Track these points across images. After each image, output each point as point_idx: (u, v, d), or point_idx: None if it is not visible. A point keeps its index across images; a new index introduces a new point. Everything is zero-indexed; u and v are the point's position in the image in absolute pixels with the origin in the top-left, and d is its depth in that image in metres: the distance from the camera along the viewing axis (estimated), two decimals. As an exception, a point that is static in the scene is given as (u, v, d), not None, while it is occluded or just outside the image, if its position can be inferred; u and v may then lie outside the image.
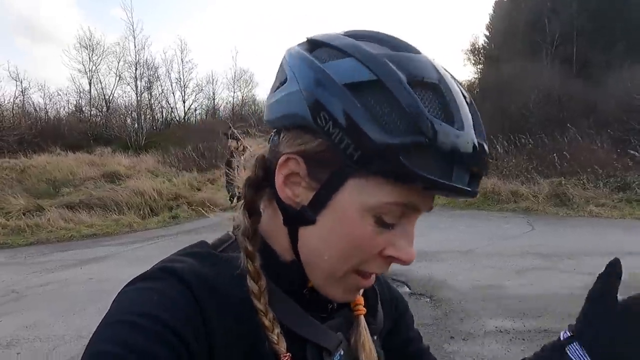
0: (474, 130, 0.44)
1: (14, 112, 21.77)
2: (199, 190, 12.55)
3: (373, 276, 0.51)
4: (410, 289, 4.58)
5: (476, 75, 27.53)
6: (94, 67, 24.49)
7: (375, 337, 0.60)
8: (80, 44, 24.76)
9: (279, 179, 0.49)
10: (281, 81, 0.50)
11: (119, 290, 0.48)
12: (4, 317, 4.35)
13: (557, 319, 3.63)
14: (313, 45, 0.49)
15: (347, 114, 0.43)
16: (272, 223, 0.53)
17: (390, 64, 0.43)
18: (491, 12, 27.99)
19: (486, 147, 0.46)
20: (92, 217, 9.92)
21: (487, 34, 28.30)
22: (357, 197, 0.45)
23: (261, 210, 0.54)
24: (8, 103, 22.34)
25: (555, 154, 11.28)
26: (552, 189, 9.49)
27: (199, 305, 0.45)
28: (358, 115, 0.42)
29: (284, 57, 0.51)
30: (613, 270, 0.54)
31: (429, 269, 5.21)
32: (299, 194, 0.48)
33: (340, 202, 0.46)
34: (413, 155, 0.41)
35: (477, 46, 29.66)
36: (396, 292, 0.71)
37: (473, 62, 29.90)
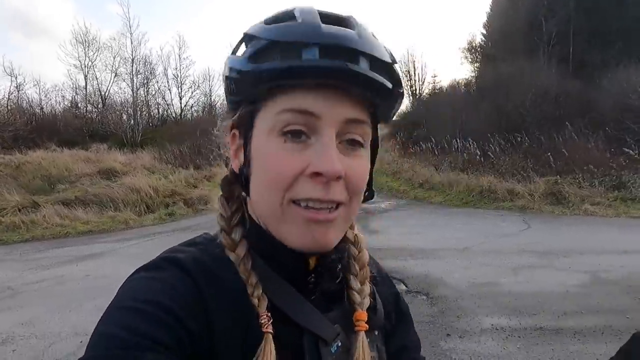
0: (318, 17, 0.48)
1: (9, 108, 21.59)
2: (195, 187, 12.51)
3: (330, 214, 0.48)
4: (407, 286, 4.59)
5: (473, 74, 27.60)
6: (89, 63, 24.35)
7: (376, 332, 0.60)
8: (76, 39, 24.61)
9: (231, 155, 0.56)
10: None
11: (125, 279, 0.50)
12: (0, 314, 4.33)
13: (553, 317, 3.66)
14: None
15: (227, 66, 0.52)
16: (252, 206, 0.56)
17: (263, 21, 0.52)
18: (489, 10, 28.04)
19: (343, 29, 0.48)
20: (88, 213, 9.88)
21: (485, 32, 28.34)
22: (261, 127, 0.50)
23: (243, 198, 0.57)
24: (3, 99, 22.18)
25: (550, 153, 11.32)
26: (548, 187, 9.53)
27: (199, 291, 0.48)
28: (231, 62, 0.52)
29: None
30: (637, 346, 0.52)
31: (426, 266, 5.23)
32: (241, 159, 0.54)
33: (255, 141, 0.51)
34: (260, 60, 0.48)
35: (474, 44, 29.73)
36: (397, 291, 0.71)
37: (470, 60, 29.97)
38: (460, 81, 26.23)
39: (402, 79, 0.53)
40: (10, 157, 14.87)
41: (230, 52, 0.54)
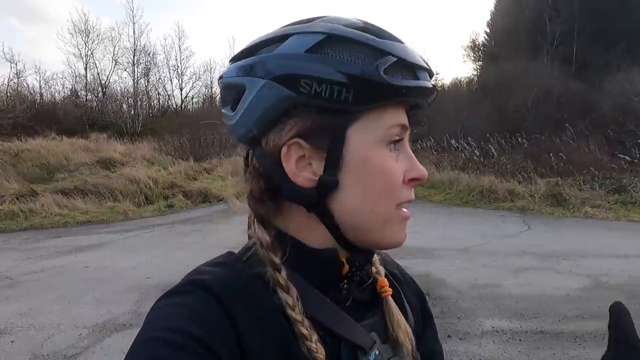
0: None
1: (8, 94, 21.45)
2: (195, 179, 12.47)
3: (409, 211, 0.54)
4: (407, 286, 4.59)
5: (475, 73, 27.54)
6: (89, 52, 24.18)
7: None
8: (75, 28, 24.41)
9: (290, 168, 0.50)
10: (235, 98, 0.52)
11: (150, 307, 0.48)
12: (-2, 304, 4.31)
13: (553, 320, 3.66)
14: (248, 53, 0.53)
15: (325, 67, 0.47)
16: (296, 223, 0.53)
17: (325, 23, 0.51)
18: (492, 9, 27.93)
19: None
20: (87, 203, 9.84)
21: (488, 31, 28.25)
22: (365, 137, 0.49)
23: (274, 219, 0.54)
24: (2, 85, 22.04)
25: (551, 154, 11.32)
26: (549, 189, 9.53)
27: (228, 315, 0.46)
28: (339, 65, 0.47)
29: (223, 83, 0.55)
30: (618, 315, 0.50)
31: (426, 266, 5.22)
32: (314, 171, 0.50)
33: (354, 151, 0.49)
34: (392, 74, 0.48)
35: (477, 43, 29.64)
36: (422, 292, 0.70)
37: (473, 59, 29.90)
38: (462, 79, 26.19)
39: None
40: (9, 145, 14.79)
41: (312, 51, 0.48)
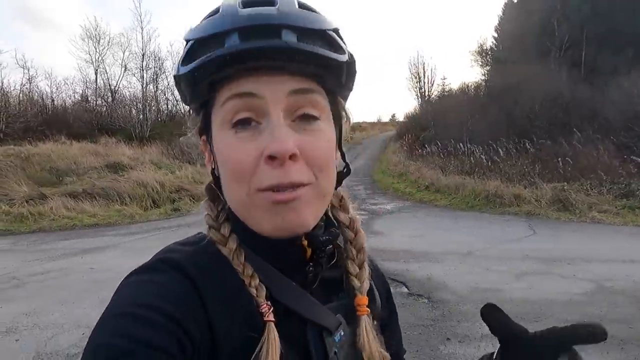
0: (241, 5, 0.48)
1: (20, 100, 21.80)
2: (201, 183, 12.36)
3: (293, 193, 0.47)
4: (408, 289, 4.59)
5: (483, 77, 27.43)
6: (99, 57, 24.54)
7: (375, 322, 0.60)
8: (86, 33, 24.81)
9: (206, 161, 0.56)
10: None
11: (119, 283, 0.49)
12: (5, 304, 4.38)
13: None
14: None
15: (173, 78, 0.53)
16: None
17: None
18: (500, 14, 27.87)
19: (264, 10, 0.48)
20: (95, 206, 9.98)
21: (496, 35, 28.17)
22: (215, 124, 0.51)
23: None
24: (14, 90, 22.41)
25: (558, 159, 11.23)
26: (555, 193, 9.45)
27: (197, 291, 0.47)
28: (174, 72, 0.52)
29: None
30: (493, 317, 0.49)
31: (428, 269, 5.21)
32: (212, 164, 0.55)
33: (214, 140, 0.51)
34: (190, 60, 0.48)
35: (485, 48, 29.57)
36: (388, 285, 0.72)
37: (480, 63, 29.81)
38: (469, 84, 26.10)
39: (344, 45, 0.51)
40: (20, 149, 15.00)
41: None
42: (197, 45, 0.48)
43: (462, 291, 4.50)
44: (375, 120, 52.01)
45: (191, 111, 0.56)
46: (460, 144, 14.82)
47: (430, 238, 7.04)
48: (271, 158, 0.46)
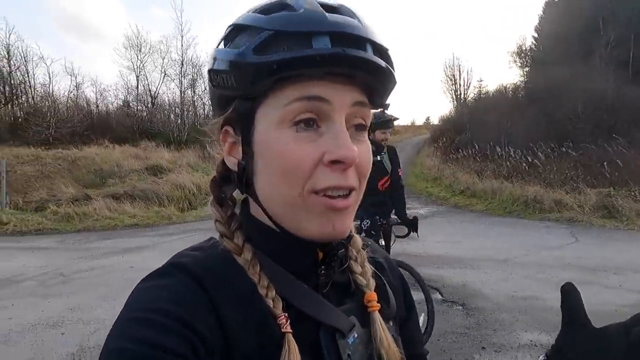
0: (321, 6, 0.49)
1: (68, 106, 23.01)
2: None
3: (346, 201, 0.49)
4: (442, 295, 4.50)
5: (522, 79, 26.58)
6: (140, 64, 25.53)
7: (390, 323, 0.60)
8: (128, 42, 25.89)
9: (225, 153, 0.55)
10: None
11: (133, 288, 0.49)
12: (52, 299, 4.63)
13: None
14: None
15: (216, 59, 0.51)
16: (252, 205, 0.55)
17: (245, 13, 0.52)
18: (541, 13, 26.95)
19: (344, 12, 0.50)
20: (135, 208, 10.37)
21: (536, 35, 27.25)
22: (267, 120, 0.49)
23: (243, 201, 0.58)
24: (63, 97, 23.68)
25: (604, 163, 10.70)
26: (600, 199, 9.01)
27: (208, 295, 0.47)
28: (226, 54, 0.50)
29: None
30: (569, 297, 0.49)
31: (463, 276, 5.09)
32: (238, 155, 0.53)
33: (259, 135, 0.50)
34: (266, 51, 0.46)
35: (524, 48, 28.66)
36: (406, 283, 0.71)
37: (519, 64, 28.92)
38: (507, 86, 25.33)
39: (394, 64, 0.52)
40: (67, 152, 15.83)
41: (218, 44, 0.53)
42: (275, 37, 0.47)
43: (499, 299, 4.37)
44: (409, 124, 51.36)
45: (218, 98, 0.54)
46: (498, 147, 14.40)
47: (465, 244, 6.87)
48: (335, 162, 0.47)
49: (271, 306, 0.49)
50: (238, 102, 0.51)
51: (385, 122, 3.69)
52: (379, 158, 3.67)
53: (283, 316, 0.49)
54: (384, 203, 3.70)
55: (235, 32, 0.51)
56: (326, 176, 0.47)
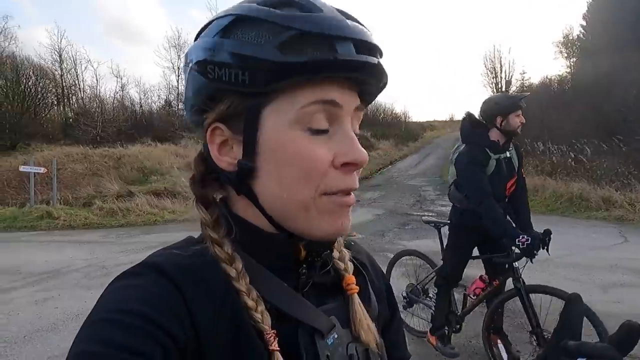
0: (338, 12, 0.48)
1: (114, 106, 24.15)
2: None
3: (352, 198, 0.51)
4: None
5: (568, 70, 25.31)
6: (181, 65, 26.35)
7: (373, 323, 0.59)
8: (169, 43, 26.78)
9: (213, 152, 0.52)
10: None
11: (105, 288, 0.48)
12: (94, 290, 4.87)
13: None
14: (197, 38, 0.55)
15: (223, 51, 0.47)
16: (238, 204, 0.54)
17: (241, 4, 0.50)
18: (590, 0, 25.50)
19: (360, 23, 0.50)
20: (175, 204, 10.73)
21: (584, 24, 25.83)
22: (278, 120, 0.47)
23: (222, 200, 0.55)
24: (109, 98, 24.87)
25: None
26: (653, 197, 8.46)
27: (182, 295, 0.46)
28: (234, 47, 0.47)
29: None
30: (569, 302, 0.48)
31: (500, 276, 4.91)
32: (235, 156, 0.50)
33: (268, 135, 0.48)
34: (291, 50, 0.45)
35: (571, 38, 27.22)
36: (389, 284, 0.70)
37: (565, 55, 27.52)
38: (552, 78, 24.18)
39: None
40: (113, 150, 16.63)
41: (215, 33, 0.49)
42: (299, 37, 0.45)
43: (538, 301, 4.17)
44: (447, 119, 50.15)
45: (210, 93, 0.50)
46: (540, 142, 13.79)
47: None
48: (347, 165, 0.48)
49: (260, 321, 0.48)
50: (238, 98, 0.48)
51: (517, 101, 2.78)
52: (507, 154, 2.86)
53: (272, 334, 0.48)
54: (508, 211, 2.96)
55: (239, 23, 0.48)
56: (338, 178, 0.49)
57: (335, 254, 0.59)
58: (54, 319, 4.11)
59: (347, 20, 0.48)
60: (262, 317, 0.48)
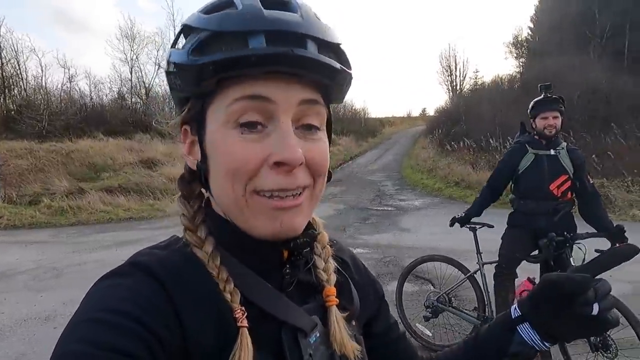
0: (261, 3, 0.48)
1: (62, 98, 22.82)
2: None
3: (296, 200, 0.49)
4: (434, 287, 4.52)
5: (518, 69, 26.57)
6: (134, 56, 25.30)
7: (353, 323, 0.60)
8: (122, 33, 25.62)
9: (183, 153, 0.55)
10: None
11: (89, 288, 0.48)
12: (45, 293, 4.62)
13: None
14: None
15: (169, 61, 0.50)
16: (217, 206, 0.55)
17: (194, 13, 0.51)
18: (536, 3, 26.85)
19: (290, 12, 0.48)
20: (129, 201, 10.34)
21: (532, 26, 27.18)
22: (214, 120, 0.49)
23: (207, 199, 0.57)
24: (56, 89, 23.47)
25: (597, 154, 10.74)
26: (593, 190, 9.07)
27: (168, 296, 0.46)
28: (172, 56, 0.50)
29: None
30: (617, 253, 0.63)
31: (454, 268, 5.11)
32: (197, 157, 0.52)
33: (210, 135, 0.49)
34: (207, 51, 0.46)
35: (520, 39, 28.60)
36: (373, 276, 0.72)
37: (515, 55, 28.89)
38: (503, 77, 25.32)
39: (349, 60, 0.52)
40: (61, 145, 15.73)
41: (170, 45, 0.53)
42: (212, 37, 0.46)
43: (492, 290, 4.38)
44: (405, 115, 51.34)
45: (175, 98, 0.54)
46: (493, 139, 14.42)
47: (459, 235, 6.83)
48: (279, 164, 0.46)
49: (229, 300, 0.48)
50: (192, 101, 0.51)
51: (540, 105, 2.92)
52: (552, 152, 2.91)
53: (239, 310, 0.48)
54: (558, 211, 2.87)
55: (184, 32, 0.51)
56: (271, 178, 0.47)
57: (320, 263, 0.59)
58: (0, 324, 3.87)
59: (266, 11, 0.46)
60: (231, 296, 0.49)
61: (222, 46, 0.46)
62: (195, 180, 0.56)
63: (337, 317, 0.56)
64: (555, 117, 2.88)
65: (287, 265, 0.54)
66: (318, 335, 0.54)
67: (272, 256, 0.53)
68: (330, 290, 0.58)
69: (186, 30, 0.51)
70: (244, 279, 0.51)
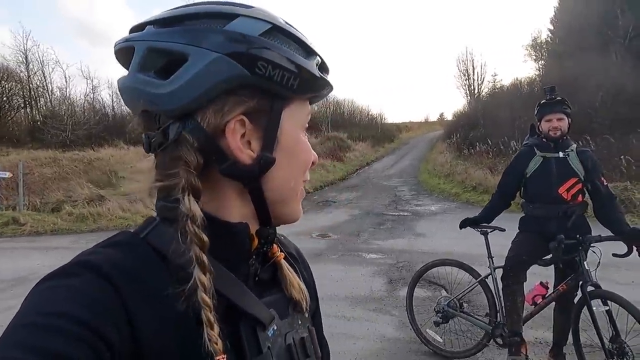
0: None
1: (85, 108, 23.50)
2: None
3: None
4: (448, 292, 4.44)
5: (537, 72, 26.09)
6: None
7: (306, 315, 0.62)
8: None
9: (235, 145, 0.50)
10: (166, 65, 0.49)
11: (30, 290, 0.44)
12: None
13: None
14: (176, 21, 0.51)
15: (278, 54, 0.51)
16: (215, 199, 0.52)
17: (263, 12, 0.54)
18: (556, 4, 26.39)
19: None
20: (147, 208, 10.47)
21: (552, 27, 26.71)
22: (293, 121, 0.55)
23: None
24: (80, 100, 24.19)
25: (621, 156, 10.43)
26: (616, 193, 8.72)
27: (120, 298, 0.43)
28: (286, 52, 0.52)
29: (147, 45, 0.50)
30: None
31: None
32: (253, 148, 0.52)
33: (285, 132, 0.54)
34: (322, 72, 0.57)
35: (539, 41, 28.14)
36: (312, 276, 0.73)
37: (534, 58, 28.42)
38: (522, 80, 24.89)
39: None
40: (83, 154, 16.21)
41: (265, 36, 0.51)
42: (321, 64, 0.58)
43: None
44: (423, 120, 50.97)
45: (249, 87, 0.50)
46: (512, 142, 14.17)
47: (474, 241, 6.72)
48: (313, 164, 0.60)
49: (215, 342, 0.45)
50: (266, 97, 0.52)
51: (544, 107, 2.92)
52: (561, 155, 2.86)
53: (222, 356, 0.45)
54: (569, 215, 2.80)
55: (274, 33, 0.53)
56: (307, 173, 0.59)
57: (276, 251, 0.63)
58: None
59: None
60: (218, 340, 0.45)
61: (322, 71, 0.58)
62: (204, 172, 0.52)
63: (288, 269, 0.61)
64: (559, 119, 2.86)
65: (254, 257, 0.56)
66: (275, 328, 0.55)
67: (244, 245, 0.54)
68: (275, 248, 0.61)
69: (278, 32, 0.53)
70: (216, 270, 0.49)
